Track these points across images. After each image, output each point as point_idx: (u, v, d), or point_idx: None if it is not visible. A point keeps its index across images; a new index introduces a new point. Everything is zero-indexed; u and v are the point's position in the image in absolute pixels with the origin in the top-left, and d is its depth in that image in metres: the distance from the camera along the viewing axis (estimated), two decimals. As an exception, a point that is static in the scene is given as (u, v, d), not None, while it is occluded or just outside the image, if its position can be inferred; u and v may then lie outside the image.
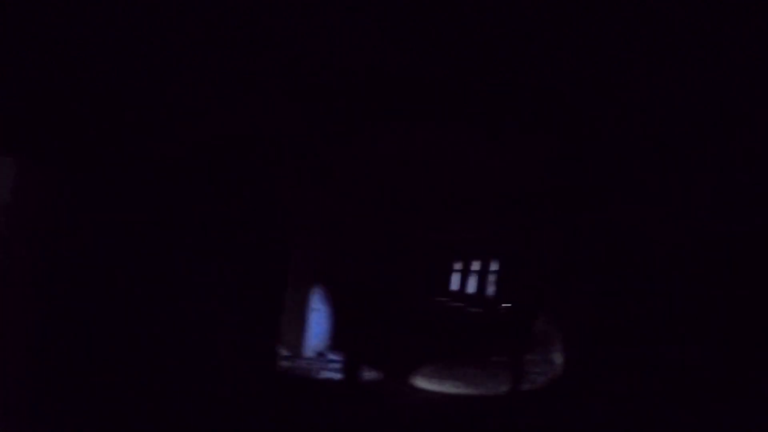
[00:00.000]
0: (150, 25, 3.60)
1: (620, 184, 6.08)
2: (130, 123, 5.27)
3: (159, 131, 4.25)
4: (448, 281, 23.59)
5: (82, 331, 3.36)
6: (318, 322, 8.02)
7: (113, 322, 3.37)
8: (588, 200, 7.62)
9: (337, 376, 7.16)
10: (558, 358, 8.79)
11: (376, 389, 6.42)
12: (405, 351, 8.59)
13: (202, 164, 4.49)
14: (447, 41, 3.59)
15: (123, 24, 3.55)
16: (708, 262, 3.95)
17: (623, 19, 2.96)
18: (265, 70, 4.39)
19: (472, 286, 20.94)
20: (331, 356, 7.84)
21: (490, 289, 18.66)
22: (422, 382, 6.46)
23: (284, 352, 7.14)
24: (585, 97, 4.25)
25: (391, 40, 3.69)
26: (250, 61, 4.19)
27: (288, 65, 4.15)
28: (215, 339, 4.47)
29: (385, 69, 4.14)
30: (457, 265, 23.13)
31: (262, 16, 3.51)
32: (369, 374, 7.06)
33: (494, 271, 18.55)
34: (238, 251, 4.88)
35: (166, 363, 3.80)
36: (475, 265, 20.80)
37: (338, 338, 8.39)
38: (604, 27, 3.12)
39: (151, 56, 4.10)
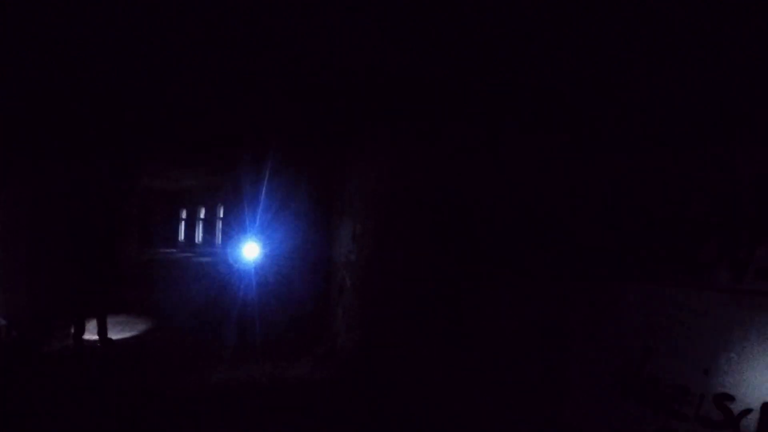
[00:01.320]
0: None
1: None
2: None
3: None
4: (175, 231, 23.28)
5: None
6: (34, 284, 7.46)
7: None
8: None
9: (60, 343, 7.16)
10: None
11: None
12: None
13: None
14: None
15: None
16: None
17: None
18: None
19: (199, 236, 21.28)
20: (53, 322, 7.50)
21: (218, 237, 19.45)
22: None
23: (7, 324, 6.81)
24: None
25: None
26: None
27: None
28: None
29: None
30: (183, 214, 22.98)
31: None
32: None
33: (221, 219, 19.24)
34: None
35: None
36: (202, 214, 21.13)
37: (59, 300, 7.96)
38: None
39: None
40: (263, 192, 13.90)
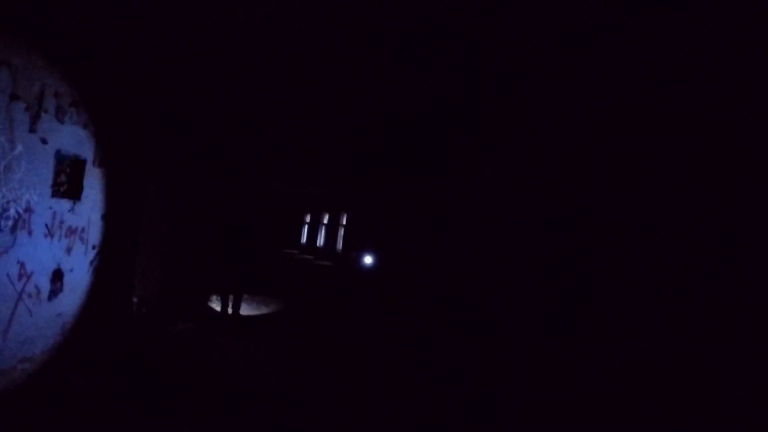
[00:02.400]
0: None
1: (466, 154, 6.96)
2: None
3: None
4: (299, 234, 23.95)
5: None
6: (166, 272, 7.84)
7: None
8: (433, 164, 8.53)
9: (184, 325, 7.19)
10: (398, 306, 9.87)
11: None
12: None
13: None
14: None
15: None
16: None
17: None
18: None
19: (321, 240, 21.62)
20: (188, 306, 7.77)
21: (339, 243, 19.53)
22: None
23: (139, 303, 6.91)
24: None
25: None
26: None
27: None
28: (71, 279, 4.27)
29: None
30: (307, 219, 23.53)
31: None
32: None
33: (344, 226, 19.36)
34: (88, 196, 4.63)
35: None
36: (325, 219, 21.44)
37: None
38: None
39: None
40: (385, 205, 13.64)
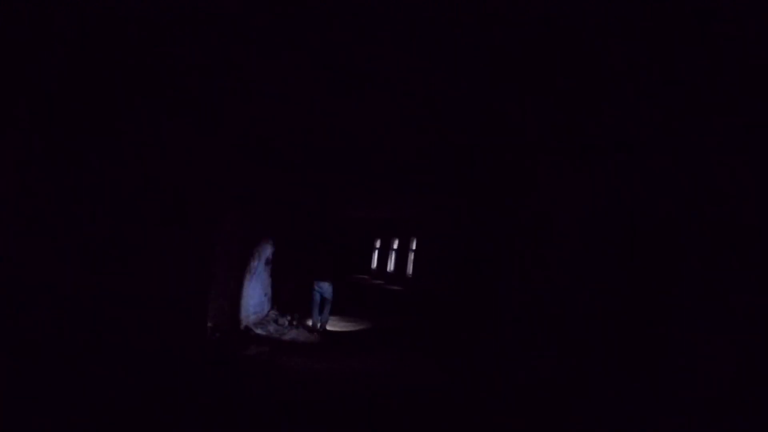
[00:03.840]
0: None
1: (538, 175, 6.66)
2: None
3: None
4: (369, 259, 24.10)
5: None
6: (250, 296, 8.10)
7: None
8: (507, 187, 8.24)
9: (257, 349, 7.32)
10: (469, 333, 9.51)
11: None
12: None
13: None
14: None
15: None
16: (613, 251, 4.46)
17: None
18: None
19: (391, 265, 21.61)
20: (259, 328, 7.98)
21: (409, 268, 19.39)
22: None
23: (213, 328, 7.16)
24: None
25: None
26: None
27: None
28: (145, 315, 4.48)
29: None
30: (377, 244, 23.66)
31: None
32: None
33: (413, 251, 19.24)
34: (165, 225, 4.87)
35: (97, 340, 3.78)
36: (395, 245, 21.46)
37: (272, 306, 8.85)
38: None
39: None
40: (456, 233, 13.40)
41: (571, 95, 4.53)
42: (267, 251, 9.13)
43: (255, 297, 8.57)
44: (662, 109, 3.76)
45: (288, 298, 10.03)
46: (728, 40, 2.66)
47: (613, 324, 4.14)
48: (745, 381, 2.47)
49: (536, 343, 6.22)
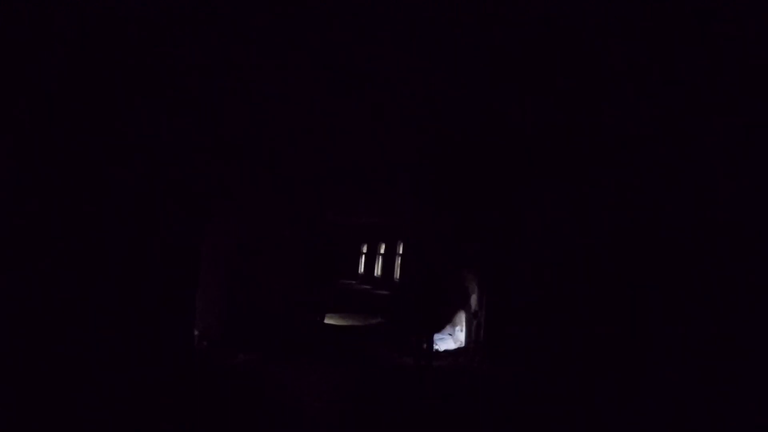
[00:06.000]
0: None
1: (522, 177, 6.73)
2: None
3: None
4: (356, 264, 24.06)
5: None
6: (232, 306, 8.02)
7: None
8: (490, 190, 8.31)
9: (245, 356, 7.23)
10: (459, 334, 9.55)
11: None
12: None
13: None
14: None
15: None
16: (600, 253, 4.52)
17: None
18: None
19: (378, 269, 21.60)
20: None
21: (397, 273, 19.41)
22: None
23: (200, 336, 7.08)
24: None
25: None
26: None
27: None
28: (129, 325, 4.42)
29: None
30: (364, 249, 23.66)
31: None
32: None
33: (400, 255, 19.27)
34: (150, 235, 4.82)
35: (81, 353, 3.72)
36: (382, 249, 21.46)
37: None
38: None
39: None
40: (439, 237, 13.50)
41: (551, 108, 4.64)
42: (258, 260, 9.05)
43: (244, 304, 8.49)
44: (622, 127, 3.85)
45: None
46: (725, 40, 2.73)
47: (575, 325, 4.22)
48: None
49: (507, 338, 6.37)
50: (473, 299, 8.76)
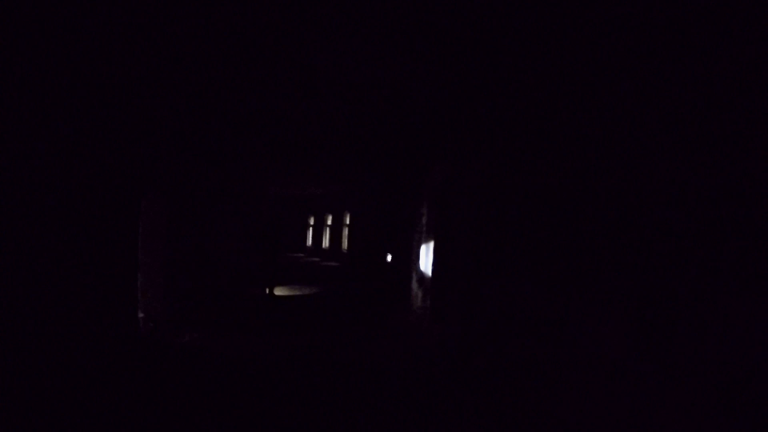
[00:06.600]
0: None
1: (466, 146, 6.90)
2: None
3: None
4: (304, 237, 23.94)
5: None
6: (176, 285, 7.87)
7: None
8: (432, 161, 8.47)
9: (191, 336, 7.18)
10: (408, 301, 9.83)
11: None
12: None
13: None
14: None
15: None
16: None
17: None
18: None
19: (326, 241, 21.63)
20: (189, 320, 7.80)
21: (344, 243, 19.52)
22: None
23: (145, 318, 6.93)
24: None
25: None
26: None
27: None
28: (74, 305, 4.29)
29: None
30: (312, 221, 23.55)
31: None
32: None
33: (348, 226, 19.34)
34: (90, 217, 4.64)
35: (23, 330, 3.59)
36: (329, 221, 21.45)
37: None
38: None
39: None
40: (382, 207, 13.74)
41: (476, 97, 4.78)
42: (199, 236, 8.89)
43: (189, 282, 8.37)
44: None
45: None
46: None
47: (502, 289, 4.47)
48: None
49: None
50: (420, 266, 9.03)
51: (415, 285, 8.94)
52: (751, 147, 2.24)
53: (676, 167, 2.68)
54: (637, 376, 2.90)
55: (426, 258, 8.70)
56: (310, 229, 23.71)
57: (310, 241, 23.52)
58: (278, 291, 11.90)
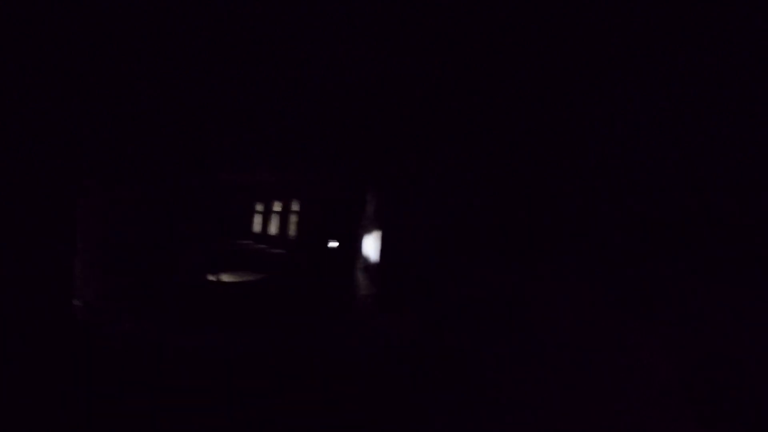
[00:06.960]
0: None
1: (418, 140, 7.09)
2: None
3: None
4: (250, 223, 23.59)
5: None
6: (115, 273, 7.67)
7: None
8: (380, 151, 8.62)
9: (130, 325, 7.08)
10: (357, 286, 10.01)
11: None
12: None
13: None
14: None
15: None
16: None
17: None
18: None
19: (273, 228, 21.43)
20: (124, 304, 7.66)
21: (291, 231, 19.44)
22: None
23: (83, 306, 6.74)
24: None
25: None
26: None
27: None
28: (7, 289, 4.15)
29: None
30: (259, 207, 23.23)
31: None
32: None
33: (296, 212, 19.25)
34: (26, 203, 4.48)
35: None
36: (277, 207, 21.24)
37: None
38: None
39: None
40: (329, 195, 13.85)
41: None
42: (141, 222, 8.67)
43: (128, 270, 8.17)
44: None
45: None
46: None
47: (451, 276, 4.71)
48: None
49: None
50: (364, 254, 9.20)
51: (360, 273, 9.11)
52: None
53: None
54: (602, 357, 3.17)
55: (372, 246, 8.88)
56: (258, 216, 23.39)
57: (257, 228, 23.23)
58: (225, 277, 11.79)
